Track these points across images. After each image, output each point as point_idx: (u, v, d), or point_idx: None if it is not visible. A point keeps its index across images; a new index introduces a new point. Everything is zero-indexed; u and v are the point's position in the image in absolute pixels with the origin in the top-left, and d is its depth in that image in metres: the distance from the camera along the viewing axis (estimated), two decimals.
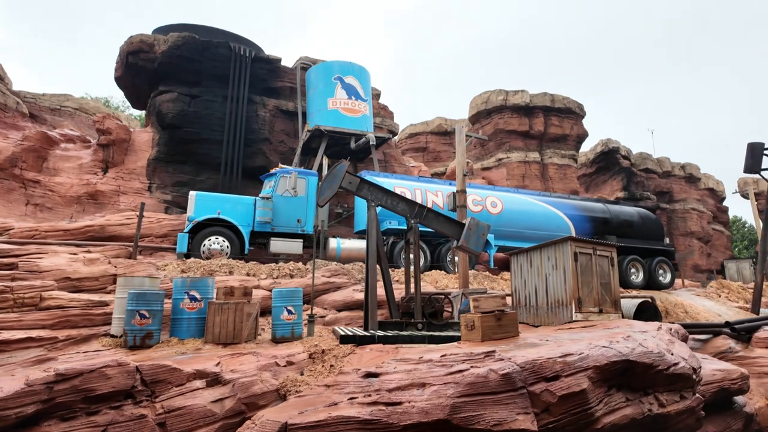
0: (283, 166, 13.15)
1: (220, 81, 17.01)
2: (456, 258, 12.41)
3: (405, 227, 9.85)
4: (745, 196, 30.66)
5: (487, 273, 12.64)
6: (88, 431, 4.35)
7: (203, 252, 10.90)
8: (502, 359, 4.21)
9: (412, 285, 8.02)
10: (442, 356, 4.30)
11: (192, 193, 11.63)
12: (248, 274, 9.40)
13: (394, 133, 21.79)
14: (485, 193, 14.23)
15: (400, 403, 3.65)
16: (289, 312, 7.04)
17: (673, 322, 9.81)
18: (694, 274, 27.75)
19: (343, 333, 6.59)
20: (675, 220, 29.94)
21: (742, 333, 9.71)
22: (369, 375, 4.08)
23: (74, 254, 8.63)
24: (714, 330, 10.01)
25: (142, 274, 8.27)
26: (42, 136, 16.67)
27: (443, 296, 8.31)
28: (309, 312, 7.81)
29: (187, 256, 10.69)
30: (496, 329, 5.97)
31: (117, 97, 39.10)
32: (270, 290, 8.58)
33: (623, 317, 9.94)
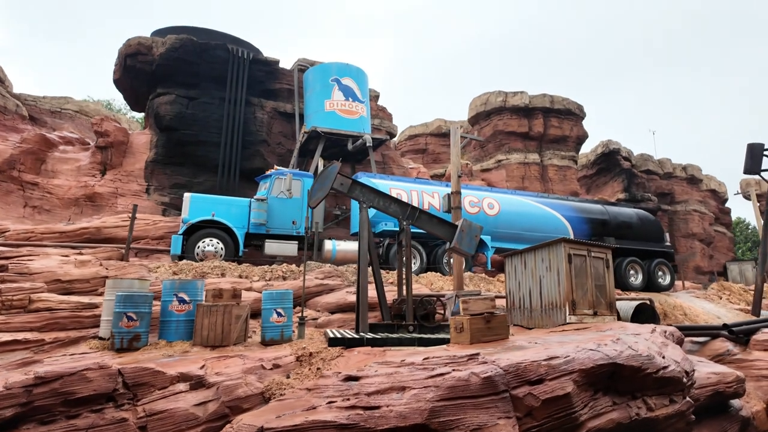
0: (278, 167, 13.13)
1: (217, 83, 17.03)
2: (451, 260, 12.34)
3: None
4: (747, 197, 30.43)
5: (483, 275, 12.56)
6: None
7: (197, 254, 10.87)
8: (486, 362, 4.14)
9: (405, 287, 7.96)
10: (424, 359, 4.23)
11: (186, 195, 11.61)
12: (240, 276, 9.36)
13: (393, 135, 21.75)
14: (482, 195, 14.16)
15: (378, 407, 3.59)
16: (279, 314, 6.98)
17: (670, 325, 9.72)
18: (696, 276, 27.56)
19: (332, 336, 6.53)
20: (676, 222, 29.76)
21: (740, 335, 9.60)
22: (349, 378, 4.02)
23: (66, 256, 8.62)
24: (712, 333, 9.90)
25: (133, 276, 8.23)
26: (40, 138, 16.71)
27: (435, 298, 8.24)
28: (300, 314, 7.75)
29: (182, 258, 10.67)
30: (485, 331, 5.90)
31: (120, 99, 39.24)
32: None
33: (620, 319, 9.85)
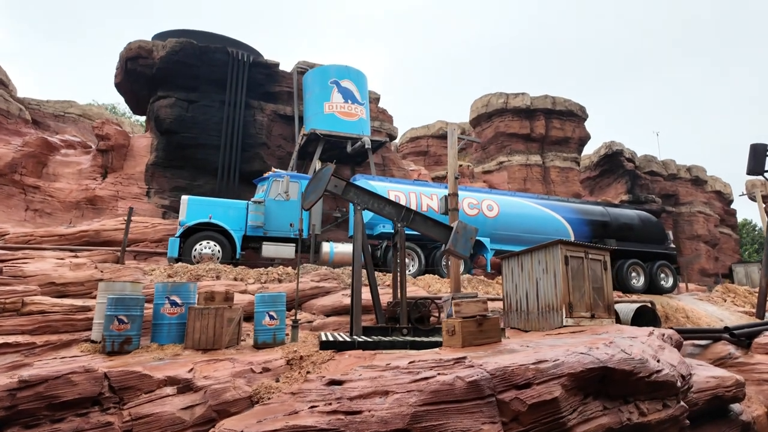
0: (275, 170, 13.11)
1: (217, 86, 17.06)
2: (449, 262, 12.26)
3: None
4: (753, 198, 30.11)
5: (482, 277, 12.46)
6: None
7: (194, 257, 10.86)
8: (472, 366, 4.07)
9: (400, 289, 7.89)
10: (409, 363, 4.17)
11: (184, 198, 11.61)
12: (236, 279, 9.33)
13: (393, 137, 21.71)
14: (481, 197, 14.07)
15: (360, 412, 3.53)
16: (271, 317, 6.93)
17: (671, 328, 9.59)
18: (701, 278, 27.28)
19: (323, 339, 6.48)
20: (681, 224, 29.49)
21: (742, 339, 9.46)
22: (332, 383, 3.97)
23: (61, 259, 8.62)
24: (713, 336, 9.76)
25: (128, 279, 8.22)
26: (42, 141, 16.81)
27: (430, 301, 8.17)
28: (293, 317, 7.70)
29: (179, 260, 10.66)
30: (477, 335, 5.83)
31: (124, 103, 39.47)
32: None
33: (620, 322, 9.74)
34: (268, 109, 18.12)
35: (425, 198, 13.33)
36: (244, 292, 8.83)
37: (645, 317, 10.21)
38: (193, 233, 11.10)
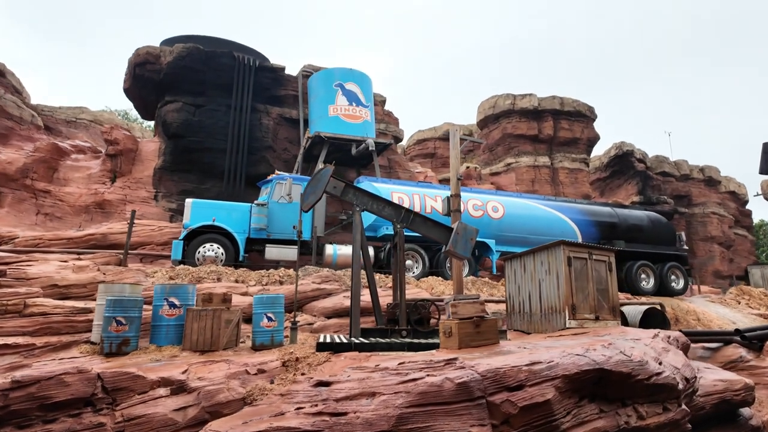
0: (279, 172, 13.14)
1: (224, 90, 17.20)
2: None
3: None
4: None
5: (487, 279, 12.33)
6: None
7: (198, 259, 10.92)
8: (463, 367, 3.99)
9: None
10: (399, 364, 4.11)
11: (188, 201, 11.69)
12: (237, 281, 9.34)
13: (400, 140, 21.67)
14: (486, 198, 13.94)
15: (345, 414, 3.48)
16: (269, 319, 6.92)
17: (680, 330, 9.37)
18: (715, 280, 26.73)
19: (320, 340, 6.44)
20: (694, 225, 28.96)
21: (754, 341, 9.23)
22: (320, 384, 3.92)
23: (64, 261, 8.71)
24: (724, 338, 9.54)
25: (129, 281, 8.27)
26: (53, 147, 17.09)
27: (429, 303, 8.09)
28: (293, 319, 7.67)
29: (182, 263, 10.72)
30: (474, 336, 5.74)
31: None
32: None
33: (628, 325, 9.54)
34: (273, 113, 18.22)
35: (429, 200, 13.25)
36: (245, 294, 8.83)
37: (654, 320, 9.98)
38: (197, 236, 11.17)
